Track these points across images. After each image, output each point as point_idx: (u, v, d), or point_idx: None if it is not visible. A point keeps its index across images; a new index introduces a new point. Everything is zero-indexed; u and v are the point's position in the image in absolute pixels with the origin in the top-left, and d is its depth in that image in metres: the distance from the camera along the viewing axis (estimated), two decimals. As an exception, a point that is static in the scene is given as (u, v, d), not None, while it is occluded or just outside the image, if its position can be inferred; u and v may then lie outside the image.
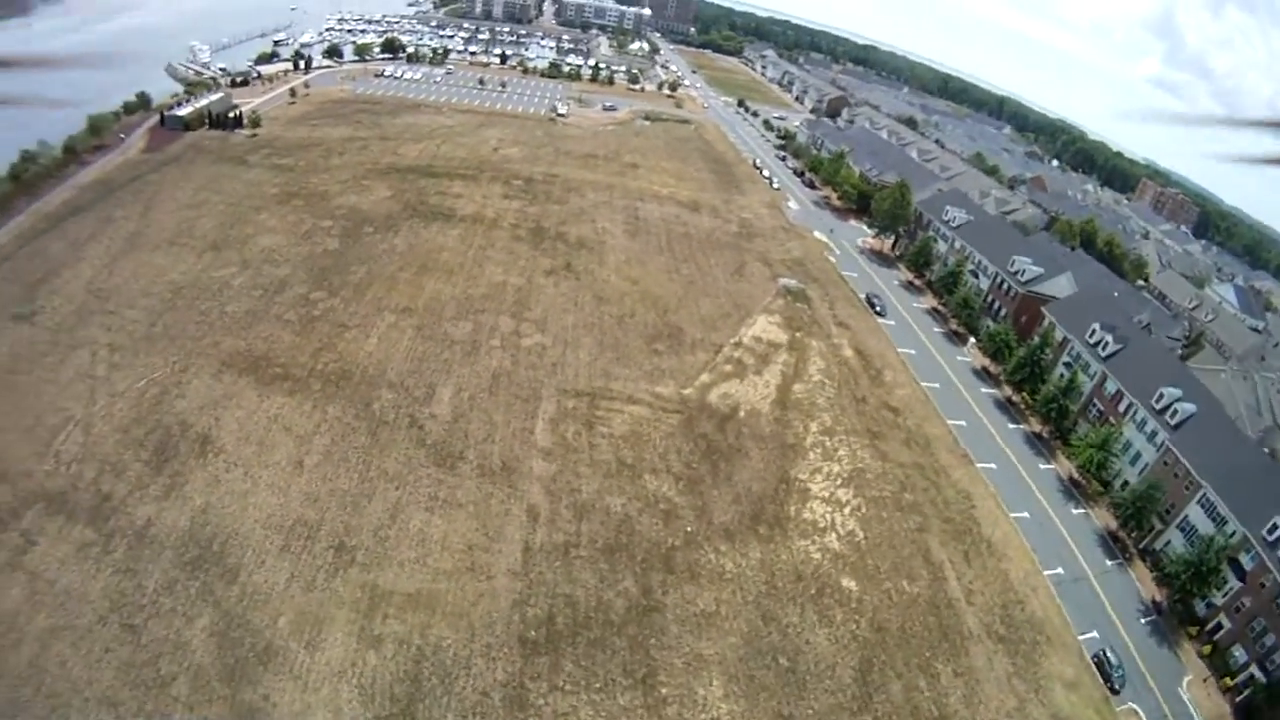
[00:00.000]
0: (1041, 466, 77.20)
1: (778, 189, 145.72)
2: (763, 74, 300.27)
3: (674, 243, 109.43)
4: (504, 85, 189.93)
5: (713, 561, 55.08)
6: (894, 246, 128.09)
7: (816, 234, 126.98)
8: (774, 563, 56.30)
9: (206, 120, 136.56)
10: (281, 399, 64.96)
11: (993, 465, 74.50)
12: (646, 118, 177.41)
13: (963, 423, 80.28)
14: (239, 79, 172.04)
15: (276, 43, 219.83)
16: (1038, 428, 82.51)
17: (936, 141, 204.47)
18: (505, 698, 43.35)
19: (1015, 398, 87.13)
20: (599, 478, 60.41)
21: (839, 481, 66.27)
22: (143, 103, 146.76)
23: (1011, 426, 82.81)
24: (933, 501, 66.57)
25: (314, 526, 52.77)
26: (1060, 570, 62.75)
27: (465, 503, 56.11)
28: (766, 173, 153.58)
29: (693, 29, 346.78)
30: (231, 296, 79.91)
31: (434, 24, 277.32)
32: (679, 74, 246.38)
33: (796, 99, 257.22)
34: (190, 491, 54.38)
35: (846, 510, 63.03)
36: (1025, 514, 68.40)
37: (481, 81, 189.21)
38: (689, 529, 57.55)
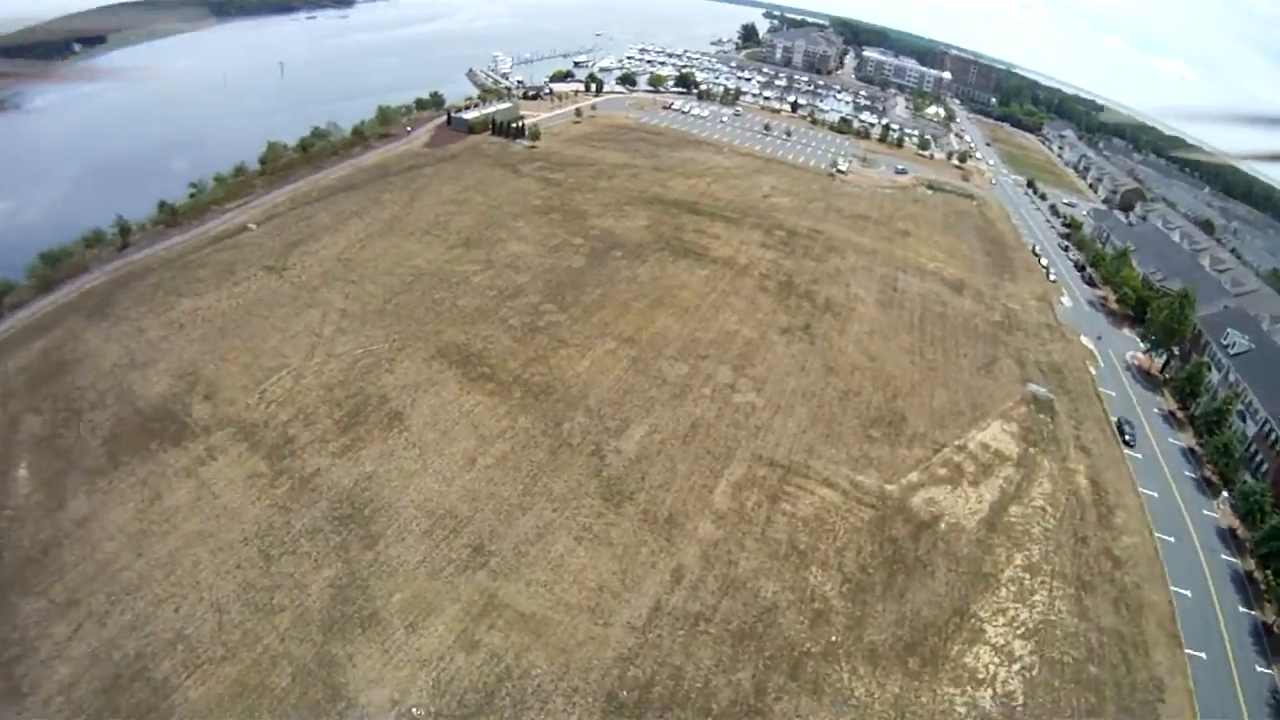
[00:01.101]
0: (1260, 669, 64.93)
1: (1054, 281, 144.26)
2: (1059, 155, 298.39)
3: (927, 322, 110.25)
4: (789, 133, 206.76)
5: (844, 682, 53.19)
6: (1164, 368, 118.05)
7: (1083, 338, 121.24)
8: (910, 704, 52.56)
9: (490, 126, 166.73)
10: (479, 397, 76.75)
11: (1203, 655, 64.55)
12: (930, 186, 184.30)
13: (1188, 593, 71.19)
14: (531, 92, 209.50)
15: (576, 64, 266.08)
16: (1271, 617, 69.26)
17: (1233, 251, 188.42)
18: (562, 746, 45.61)
19: (1258, 575, 74.22)
20: (762, 556, 62.82)
21: (1021, 631, 61.03)
22: (435, 101, 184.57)
23: (1242, 610, 71.50)
24: (1118, 684, 59.16)
25: (462, 522, 60.93)
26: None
27: (615, 543, 61.19)
28: (1045, 261, 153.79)
29: (993, 99, 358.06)
30: (466, 292, 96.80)
31: (733, 64, 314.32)
32: (971, 144, 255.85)
33: (1090, 186, 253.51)
34: (364, 457, 66.94)
35: (1016, 667, 57.57)
36: (1218, 725, 58.53)
37: (767, 127, 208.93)
38: (834, 638, 56.65)
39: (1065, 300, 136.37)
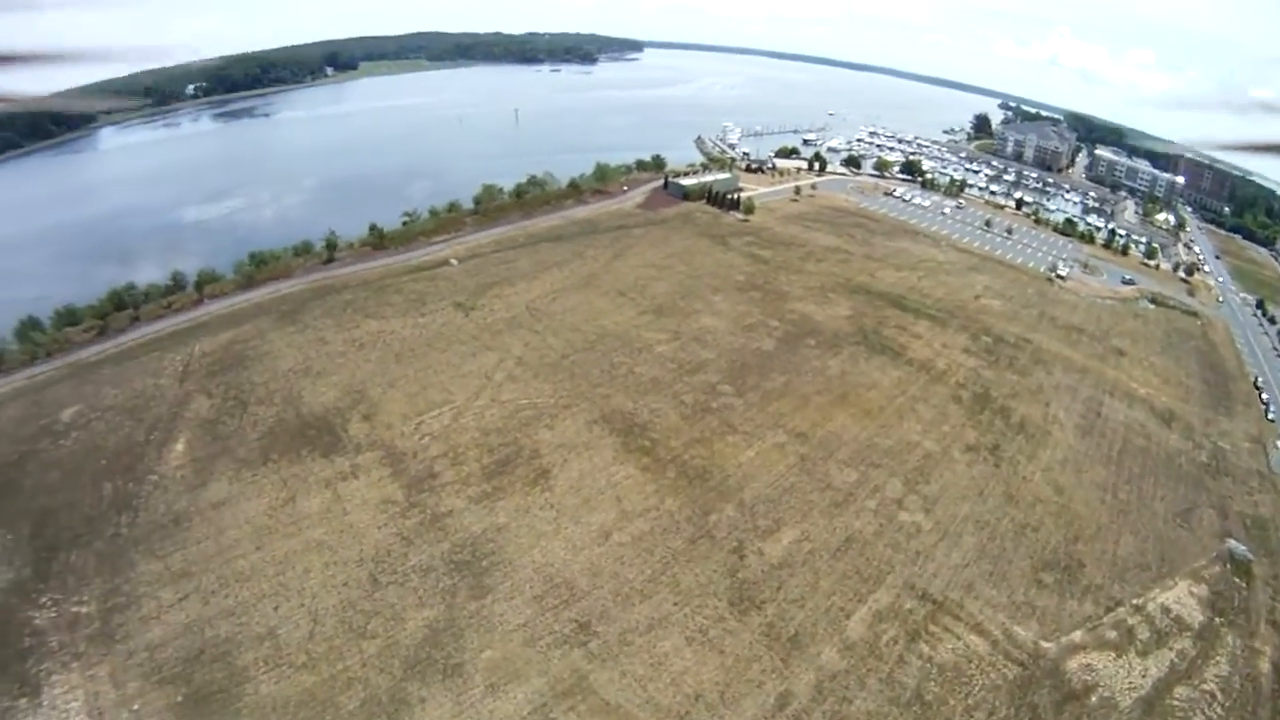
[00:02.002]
0: None
1: (1272, 420, 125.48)
2: None
3: (1126, 456, 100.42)
4: (1010, 231, 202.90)
5: None
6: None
7: None
8: None
9: (706, 195, 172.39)
10: (632, 470, 77.73)
11: None
12: (1153, 299, 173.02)
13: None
14: (754, 165, 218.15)
15: (805, 141, 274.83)
16: None
17: None
18: None
19: None
20: (881, 700, 58.60)
21: None
22: (656, 164, 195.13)
23: None
24: None
25: (576, 595, 61.24)
26: None
27: (728, 652, 59.11)
28: (1266, 396, 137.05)
29: (1226, 208, 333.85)
30: (647, 360, 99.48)
31: (962, 155, 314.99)
32: (1200, 256, 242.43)
33: None
34: (500, 508, 69.82)
35: None
36: None
37: (988, 223, 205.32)
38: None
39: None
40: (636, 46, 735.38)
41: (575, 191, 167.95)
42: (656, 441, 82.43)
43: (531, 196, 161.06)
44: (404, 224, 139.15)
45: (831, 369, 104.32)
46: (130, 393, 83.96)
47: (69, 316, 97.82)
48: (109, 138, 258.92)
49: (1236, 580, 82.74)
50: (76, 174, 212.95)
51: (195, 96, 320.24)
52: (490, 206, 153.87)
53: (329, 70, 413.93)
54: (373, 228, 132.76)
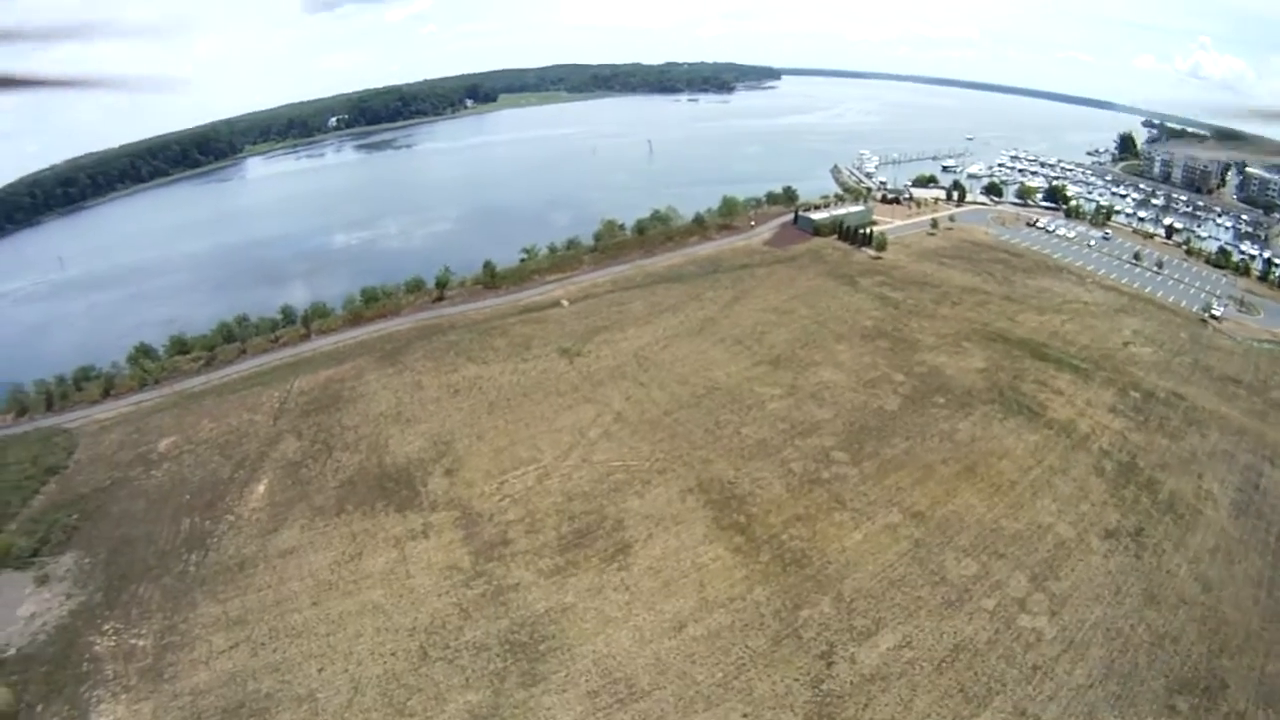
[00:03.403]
0: None
1: None
2: None
3: None
4: (1160, 265, 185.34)
5: None
6: None
7: None
8: None
9: (837, 230, 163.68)
10: (721, 551, 70.99)
11: None
12: None
13: None
14: (891, 196, 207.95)
15: (944, 168, 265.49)
16: None
17: None
18: None
19: None
20: None
21: None
22: (787, 196, 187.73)
23: None
24: None
25: (635, 694, 55.50)
26: None
27: None
28: None
29: None
30: (757, 419, 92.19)
31: (1108, 178, 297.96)
32: None
33: None
34: (570, 585, 64.92)
35: None
36: None
37: (1137, 256, 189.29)
38: None
39: None
40: (774, 74, 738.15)
41: (700, 227, 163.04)
42: (754, 517, 75.16)
43: (653, 233, 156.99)
44: (521, 260, 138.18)
45: (961, 433, 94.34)
46: (225, 428, 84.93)
47: (180, 345, 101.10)
48: (254, 168, 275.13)
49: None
50: (219, 202, 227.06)
51: (338, 128, 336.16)
52: (610, 243, 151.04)
53: (469, 102, 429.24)
54: (487, 265, 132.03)
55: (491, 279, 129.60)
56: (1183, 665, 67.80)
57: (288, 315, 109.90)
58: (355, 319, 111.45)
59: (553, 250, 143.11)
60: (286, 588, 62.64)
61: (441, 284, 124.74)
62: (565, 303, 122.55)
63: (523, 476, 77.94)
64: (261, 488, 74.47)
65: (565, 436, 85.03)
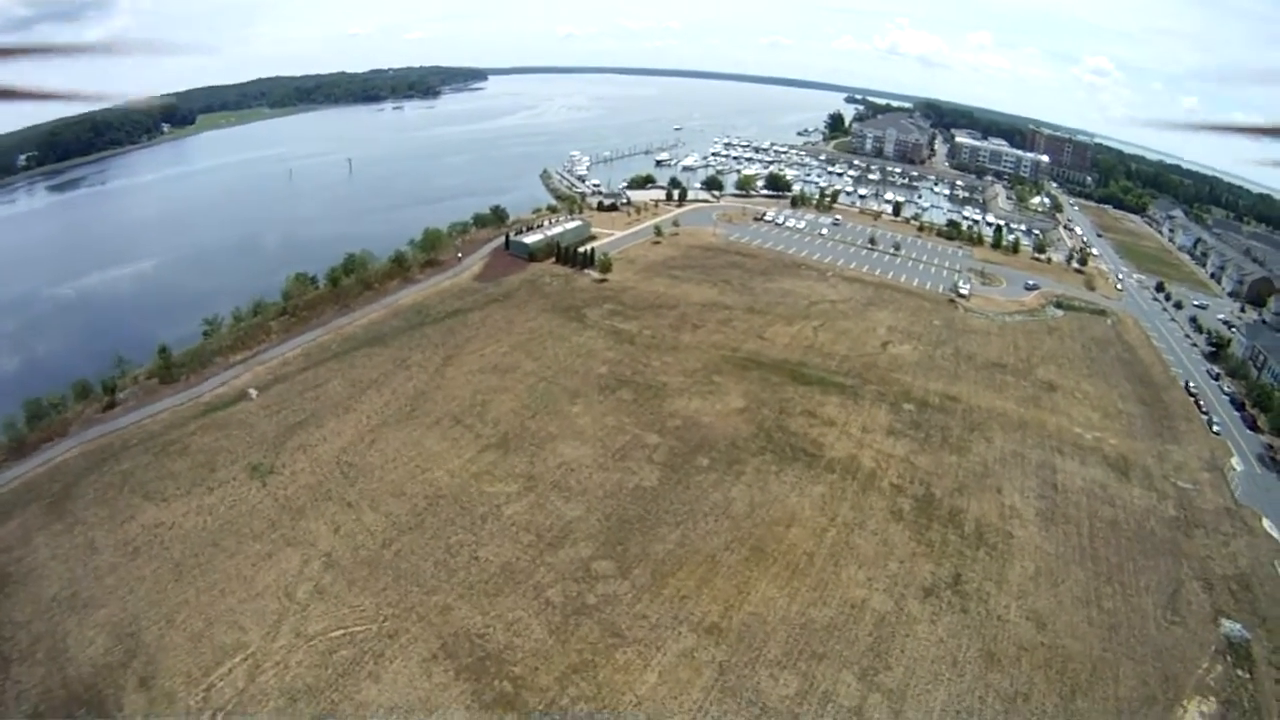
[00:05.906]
0: None
1: (1218, 433, 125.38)
2: (1169, 239, 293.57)
3: (1098, 540, 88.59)
4: (898, 247, 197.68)
5: None
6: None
7: (1266, 523, 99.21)
8: None
9: (555, 252, 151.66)
10: None
11: None
12: (1058, 304, 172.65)
13: None
14: (608, 202, 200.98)
15: (658, 162, 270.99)
16: None
17: None
18: None
19: None
20: None
21: None
22: (497, 217, 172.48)
23: None
24: None
25: None
26: None
27: None
28: (1204, 404, 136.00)
29: (1089, 178, 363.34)
30: (495, 533, 76.02)
31: (822, 157, 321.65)
32: (1084, 239, 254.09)
33: (1212, 276, 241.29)
34: None
35: None
36: None
37: (872, 240, 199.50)
38: None
39: (1236, 463, 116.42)
40: (480, 75, 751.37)
41: (401, 268, 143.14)
42: (520, 681, 59.30)
43: (348, 283, 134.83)
44: (204, 335, 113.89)
45: (737, 503, 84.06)
46: None
47: None
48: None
49: (1240, 674, 73.78)
50: None
51: (28, 167, 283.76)
52: (302, 302, 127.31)
53: (165, 127, 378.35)
54: (162, 352, 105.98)
55: (167, 369, 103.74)
56: (1041, 721, 63.20)
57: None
58: (17, 448, 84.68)
59: (237, 319, 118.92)
60: None
61: (109, 388, 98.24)
62: (253, 393, 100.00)
63: (230, 676, 58.09)
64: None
65: (271, 603, 65.15)
